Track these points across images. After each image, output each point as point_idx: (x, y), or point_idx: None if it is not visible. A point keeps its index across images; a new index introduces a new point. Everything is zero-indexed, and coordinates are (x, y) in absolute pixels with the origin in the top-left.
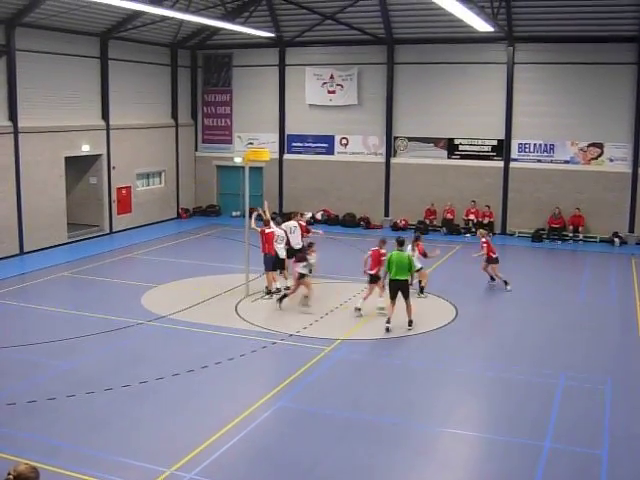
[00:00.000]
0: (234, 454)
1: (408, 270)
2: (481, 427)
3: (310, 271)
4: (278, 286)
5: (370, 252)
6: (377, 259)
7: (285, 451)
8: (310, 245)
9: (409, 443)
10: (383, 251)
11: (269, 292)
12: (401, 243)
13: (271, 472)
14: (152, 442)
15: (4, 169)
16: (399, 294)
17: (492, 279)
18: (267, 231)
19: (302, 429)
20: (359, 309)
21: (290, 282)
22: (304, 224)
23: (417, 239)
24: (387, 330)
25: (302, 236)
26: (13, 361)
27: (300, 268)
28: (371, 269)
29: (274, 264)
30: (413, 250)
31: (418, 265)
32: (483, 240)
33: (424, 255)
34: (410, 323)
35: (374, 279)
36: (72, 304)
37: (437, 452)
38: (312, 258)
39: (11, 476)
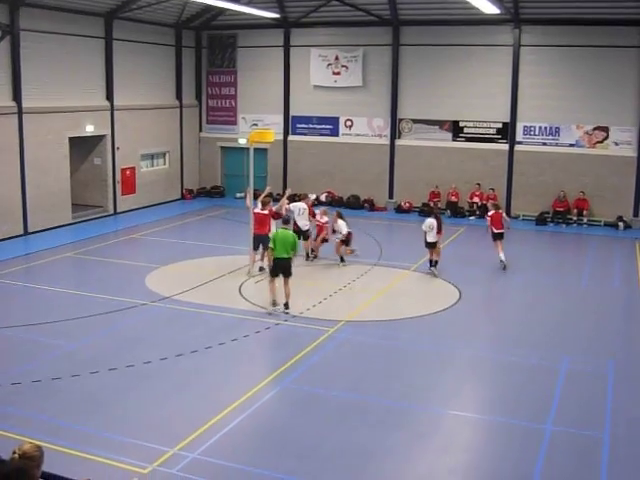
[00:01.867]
0: (237, 435)
1: (292, 249)
2: (483, 409)
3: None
4: (262, 265)
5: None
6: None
7: (288, 432)
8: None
9: (411, 425)
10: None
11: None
12: (286, 221)
13: (274, 452)
14: (156, 422)
15: (8, 150)
16: (280, 275)
17: (342, 259)
18: (256, 211)
19: (305, 410)
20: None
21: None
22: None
23: (339, 216)
24: (271, 313)
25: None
26: (18, 341)
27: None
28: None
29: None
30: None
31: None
32: (323, 220)
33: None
34: (286, 305)
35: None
36: (76, 284)
37: (439, 434)
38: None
39: (16, 455)
